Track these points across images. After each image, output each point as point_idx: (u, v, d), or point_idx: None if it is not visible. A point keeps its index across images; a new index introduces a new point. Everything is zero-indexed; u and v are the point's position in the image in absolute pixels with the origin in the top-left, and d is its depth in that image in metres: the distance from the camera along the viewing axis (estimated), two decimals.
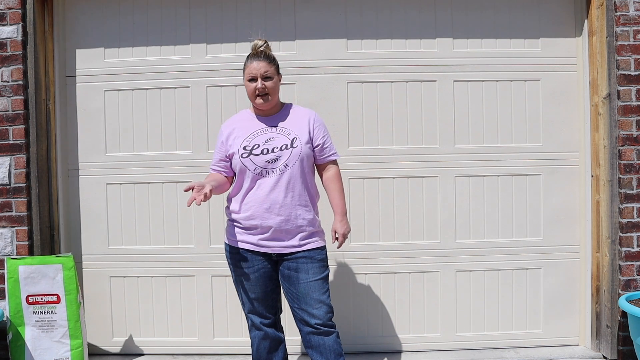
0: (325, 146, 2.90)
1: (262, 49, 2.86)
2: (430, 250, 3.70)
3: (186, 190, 2.65)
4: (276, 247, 2.82)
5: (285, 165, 2.78)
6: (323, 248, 2.88)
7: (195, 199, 2.60)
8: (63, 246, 3.68)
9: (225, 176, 2.95)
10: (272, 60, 2.86)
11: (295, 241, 2.81)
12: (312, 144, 2.87)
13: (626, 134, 3.45)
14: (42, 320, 3.36)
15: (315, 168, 2.97)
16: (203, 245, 3.70)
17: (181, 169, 3.68)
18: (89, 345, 3.72)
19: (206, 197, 2.62)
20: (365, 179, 3.68)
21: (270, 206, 2.78)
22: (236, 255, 2.89)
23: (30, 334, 3.36)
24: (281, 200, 2.78)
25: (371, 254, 3.69)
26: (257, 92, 2.81)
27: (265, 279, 2.87)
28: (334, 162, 2.95)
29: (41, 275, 3.33)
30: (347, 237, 2.91)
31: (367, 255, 3.69)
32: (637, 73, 3.43)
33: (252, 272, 2.86)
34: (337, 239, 2.89)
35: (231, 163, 2.89)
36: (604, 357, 3.55)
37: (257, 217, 2.80)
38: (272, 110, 2.90)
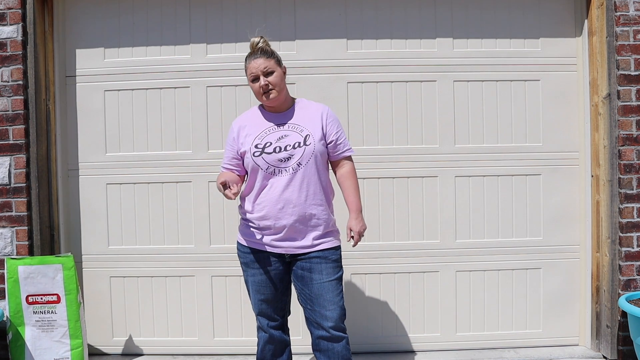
0: (339, 142, 2.82)
1: (260, 45, 2.80)
2: (430, 250, 3.70)
3: (222, 184, 2.63)
4: (289, 247, 2.76)
5: (299, 164, 2.72)
6: (337, 248, 2.82)
7: (232, 193, 2.61)
8: (63, 246, 3.68)
9: (238, 175, 2.86)
10: (270, 54, 2.78)
11: (308, 241, 2.75)
12: (325, 141, 2.80)
13: (626, 134, 3.45)
14: (42, 320, 3.35)
15: (330, 164, 2.90)
16: (203, 245, 3.70)
17: (181, 169, 3.68)
18: (89, 345, 3.72)
19: (235, 195, 2.63)
20: (365, 179, 3.67)
21: (284, 206, 2.72)
22: (249, 255, 2.84)
23: (30, 334, 3.36)
24: (295, 199, 2.72)
25: (371, 254, 3.69)
26: (262, 90, 2.75)
27: (276, 280, 2.83)
28: (349, 158, 2.87)
29: (41, 275, 3.33)
30: (362, 235, 2.86)
31: (367, 255, 3.69)
32: (637, 73, 3.43)
33: (263, 273, 2.82)
34: (352, 237, 2.83)
35: (243, 161, 2.82)
36: (604, 357, 3.55)
37: (271, 217, 2.74)
38: (283, 106, 2.83)
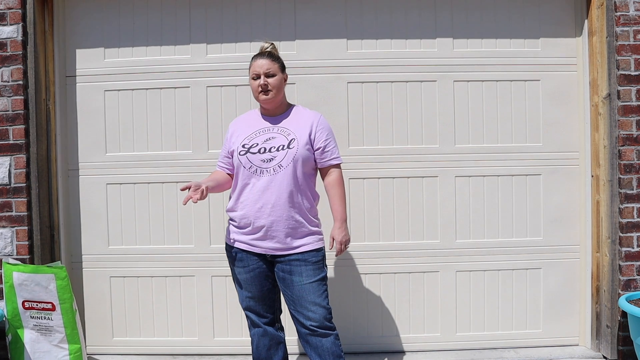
0: (326, 150, 2.87)
1: (268, 50, 2.92)
2: (430, 250, 3.70)
3: (183, 190, 2.69)
4: (268, 248, 2.82)
5: (279, 166, 2.78)
6: (319, 250, 2.85)
7: (191, 197, 2.65)
8: (63, 246, 3.68)
9: (229, 174, 2.97)
10: (275, 58, 2.89)
11: (287, 243, 2.80)
12: (312, 147, 2.85)
13: (626, 134, 3.45)
14: (39, 325, 3.33)
15: (319, 171, 2.96)
16: (203, 245, 3.70)
17: (181, 169, 3.68)
18: (89, 344, 3.72)
19: (202, 195, 2.66)
20: (365, 179, 3.68)
21: (263, 206, 2.78)
22: (233, 255, 2.91)
23: (29, 337, 3.35)
24: (273, 200, 2.77)
25: (371, 254, 3.69)
26: (259, 88, 2.83)
27: (261, 278, 2.88)
28: (336, 167, 2.92)
29: (34, 283, 3.28)
30: (346, 245, 2.88)
31: (367, 255, 3.69)
32: (637, 73, 3.43)
33: (247, 272, 2.87)
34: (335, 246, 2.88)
35: (233, 160, 2.91)
36: (604, 357, 3.55)
37: (250, 216, 2.80)
38: (277, 110, 2.91)
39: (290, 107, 2.96)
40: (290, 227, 2.80)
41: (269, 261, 2.86)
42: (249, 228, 2.82)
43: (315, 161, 2.89)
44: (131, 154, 3.70)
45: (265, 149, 2.80)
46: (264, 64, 2.84)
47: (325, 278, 2.85)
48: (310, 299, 2.78)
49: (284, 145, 2.80)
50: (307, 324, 2.78)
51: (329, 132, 2.92)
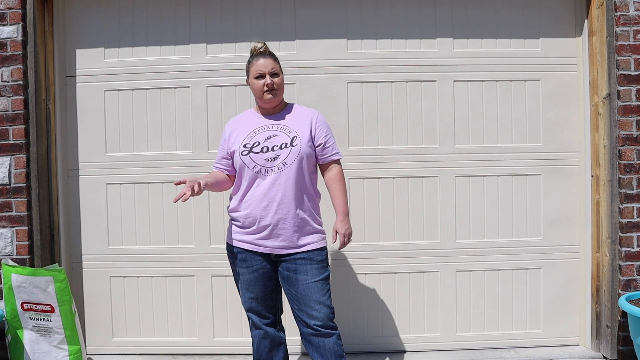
0: (327, 146, 2.89)
1: (263, 49, 2.90)
2: (430, 250, 3.70)
3: (177, 184, 2.67)
4: (274, 247, 2.81)
5: (284, 164, 2.78)
6: (323, 249, 2.86)
7: (184, 194, 2.58)
8: (63, 246, 3.68)
9: (227, 174, 2.96)
10: (276, 58, 2.91)
11: (293, 242, 2.80)
12: (313, 143, 2.86)
13: (626, 134, 3.45)
14: (39, 326, 3.33)
15: (318, 168, 2.97)
16: (203, 245, 3.70)
17: (181, 169, 3.68)
18: (89, 344, 3.72)
19: (196, 191, 2.61)
20: (365, 179, 3.68)
21: (268, 204, 2.78)
22: (237, 255, 2.90)
23: (28, 337, 3.35)
24: (279, 198, 2.77)
25: (371, 254, 3.69)
26: (266, 87, 2.83)
27: (264, 279, 2.87)
28: (337, 162, 2.94)
29: (32, 285, 3.28)
30: (349, 238, 2.89)
31: (367, 255, 3.69)
32: (637, 73, 3.43)
33: (251, 272, 2.87)
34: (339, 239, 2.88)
35: (233, 161, 2.90)
36: (604, 357, 3.55)
37: (255, 215, 2.80)
38: (276, 109, 2.92)
39: (287, 105, 2.97)
40: (296, 225, 2.80)
41: (273, 261, 2.86)
42: (254, 227, 2.81)
43: (316, 157, 2.90)
44: (131, 154, 3.70)
45: (268, 148, 2.80)
46: (268, 64, 2.85)
47: (328, 277, 2.85)
48: (314, 297, 2.78)
49: (286, 143, 2.80)
50: (311, 323, 2.78)
51: (328, 128, 2.94)
